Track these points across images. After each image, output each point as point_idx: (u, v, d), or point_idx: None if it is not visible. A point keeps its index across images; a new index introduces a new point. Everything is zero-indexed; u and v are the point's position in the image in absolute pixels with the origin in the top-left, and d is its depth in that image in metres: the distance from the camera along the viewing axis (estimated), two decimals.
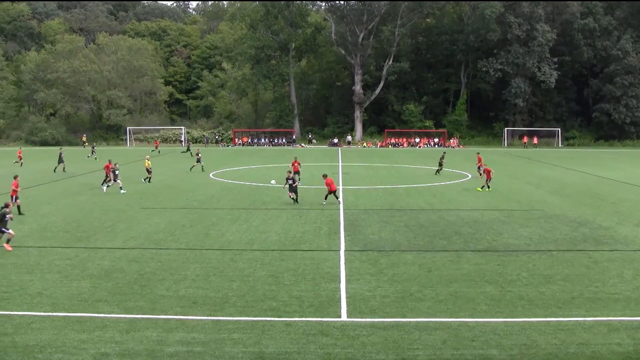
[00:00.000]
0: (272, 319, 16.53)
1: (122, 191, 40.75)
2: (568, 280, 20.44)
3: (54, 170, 54.66)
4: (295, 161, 46.18)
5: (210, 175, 51.62)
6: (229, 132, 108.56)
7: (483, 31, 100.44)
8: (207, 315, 16.79)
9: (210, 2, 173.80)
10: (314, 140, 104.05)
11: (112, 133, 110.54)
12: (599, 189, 43.98)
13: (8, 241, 24.32)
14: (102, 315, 16.20)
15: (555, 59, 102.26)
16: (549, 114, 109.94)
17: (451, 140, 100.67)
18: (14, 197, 33.02)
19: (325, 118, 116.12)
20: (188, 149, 78.44)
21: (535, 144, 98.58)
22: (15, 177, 34.17)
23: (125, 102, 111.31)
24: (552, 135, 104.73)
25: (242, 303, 17.83)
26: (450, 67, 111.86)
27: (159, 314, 16.84)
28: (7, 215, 24.39)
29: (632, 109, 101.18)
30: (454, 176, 52.54)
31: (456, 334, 15.54)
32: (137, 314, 16.85)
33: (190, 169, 55.59)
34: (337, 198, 36.01)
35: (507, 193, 42.19)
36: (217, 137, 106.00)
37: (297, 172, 43.59)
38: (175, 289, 19.12)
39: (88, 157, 71.23)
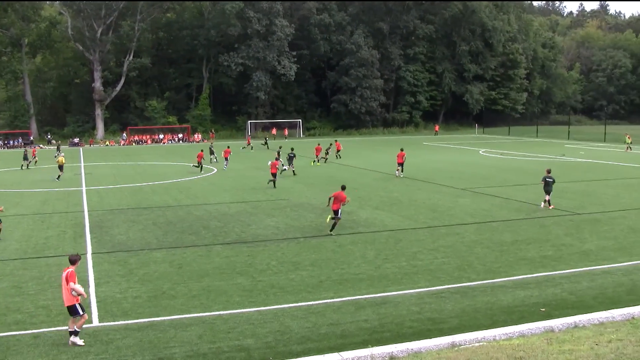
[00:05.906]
0: (18, 332, 15.40)
1: None
2: (316, 265, 21.18)
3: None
4: (228, 148, 55.07)
5: None
6: None
7: (224, 26, 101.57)
8: None
9: None
10: (54, 141, 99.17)
11: None
12: (340, 176, 46.03)
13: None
14: None
15: (295, 53, 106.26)
16: (290, 105, 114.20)
17: (195, 135, 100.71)
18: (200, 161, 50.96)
19: (64, 117, 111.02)
20: (265, 142, 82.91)
21: (285, 135, 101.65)
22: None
23: None
24: (294, 126, 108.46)
25: None
26: (192, 62, 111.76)
27: None
28: None
29: (366, 100, 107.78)
30: (199, 171, 52.44)
31: (212, 327, 15.50)
32: None
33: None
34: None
35: (253, 185, 42.90)
36: None
37: (226, 158, 53.33)
38: None
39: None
